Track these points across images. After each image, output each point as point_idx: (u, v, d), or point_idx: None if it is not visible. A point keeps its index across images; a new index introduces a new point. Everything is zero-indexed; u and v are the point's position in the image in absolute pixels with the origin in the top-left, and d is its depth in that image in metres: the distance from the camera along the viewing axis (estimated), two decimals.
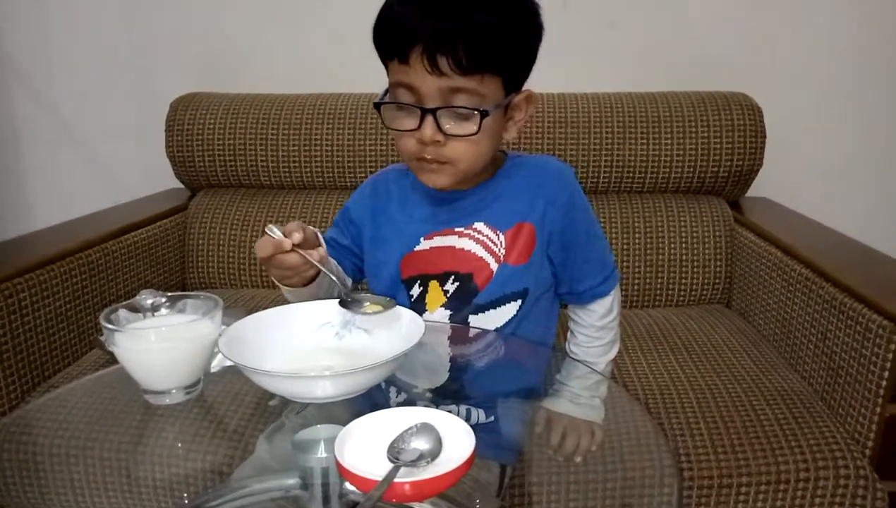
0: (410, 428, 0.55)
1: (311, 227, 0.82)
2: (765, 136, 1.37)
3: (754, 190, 1.46)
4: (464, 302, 0.86)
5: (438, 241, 0.87)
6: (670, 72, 1.57)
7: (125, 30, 1.68)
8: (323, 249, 0.80)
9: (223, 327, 0.68)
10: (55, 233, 1.27)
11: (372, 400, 0.68)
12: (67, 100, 1.74)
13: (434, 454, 0.53)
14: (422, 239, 0.87)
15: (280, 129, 1.44)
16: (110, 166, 1.79)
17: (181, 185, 1.58)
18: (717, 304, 1.37)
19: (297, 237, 0.74)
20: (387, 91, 0.80)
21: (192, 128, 1.46)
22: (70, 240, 1.19)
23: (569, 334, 0.97)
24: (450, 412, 0.75)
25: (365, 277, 0.96)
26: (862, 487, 0.87)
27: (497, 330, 0.87)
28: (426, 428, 0.55)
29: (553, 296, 0.92)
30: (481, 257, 0.86)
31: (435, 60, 0.71)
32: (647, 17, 1.58)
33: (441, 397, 0.80)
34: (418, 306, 0.87)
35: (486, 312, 0.86)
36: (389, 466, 0.52)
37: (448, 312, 0.87)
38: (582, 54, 1.57)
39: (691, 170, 1.38)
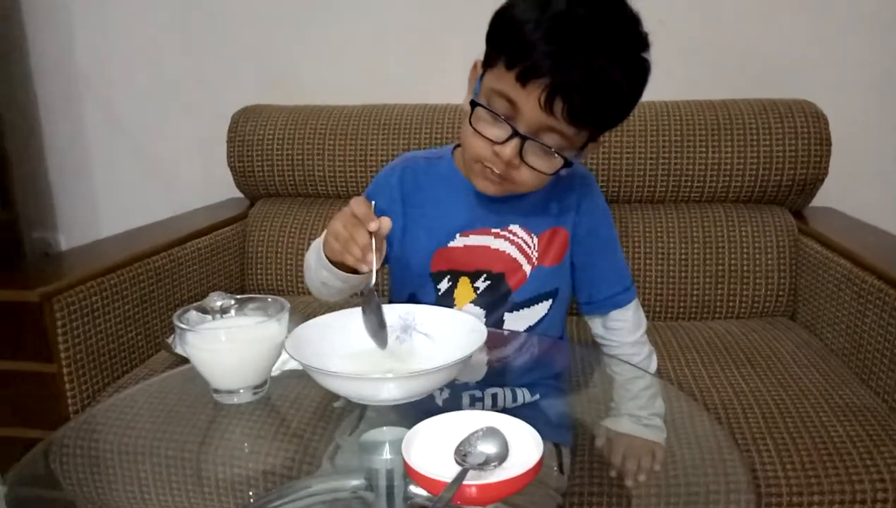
0: (477, 432, 0.55)
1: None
2: (830, 144, 1.32)
3: (818, 200, 1.41)
4: (496, 300, 0.88)
5: (474, 240, 0.88)
6: (730, 80, 1.54)
7: (185, 47, 1.75)
8: (383, 252, 0.78)
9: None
10: (124, 240, 1.33)
11: (418, 399, 0.66)
12: (135, 115, 1.82)
13: (501, 458, 0.52)
14: (458, 235, 0.88)
15: (337, 140, 1.46)
16: (173, 177, 1.85)
17: (240, 195, 1.63)
18: (782, 317, 1.33)
19: (374, 227, 0.71)
20: (480, 80, 0.78)
21: (253, 139, 1.50)
22: (138, 246, 1.24)
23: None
24: (494, 395, 0.79)
25: (388, 265, 0.95)
26: None
27: (530, 327, 0.90)
28: (493, 432, 0.55)
29: (568, 300, 0.94)
30: (515, 258, 0.88)
31: (552, 102, 0.70)
32: (708, 23, 1.55)
33: (485, 384, 0.81)
34: (446, 300, 0.89)
35: (521, 310, 0.89)
36: (456, 468, 0.51)
37: (477, 309, 0.88)
38: None
39: (753, 179, 1.34)
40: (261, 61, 1.72)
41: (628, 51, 0.72)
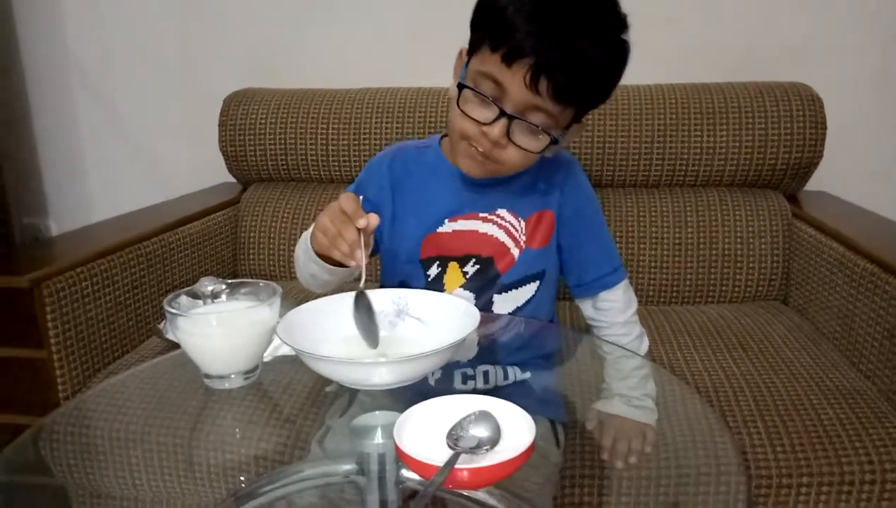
0: (469, 416, 0.55)
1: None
2: (825, 128, 1.32)
3: (813, 183, 1.41)
4: (485, 283, 0.89)
5: (463, 225, 0.89)
6: (726, 65, 1.52)
7: (178, 30, 1.73)
8: (370, 247, 0.79)
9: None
10: (115, 225, 1.32)
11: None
12: (125, 100, 1.80)
13: (493, 441, 0.52)
14: (446, 221, 0.89)
15: (330, 124, 1.45)
16: (164, 162, 1.84)
17: (232, 180, 1.61)
18: (774, 301, 1.33)
19: (363, 224, 0.71)
20: (466, 65, 0.79)
21: (245, 123, 1.48)
22: (129, 232, 1.23)
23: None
24: (486, 373, 0.79)
25: (378, 254, 0.96)
26: None
27: (518, 309, 0.91)
28: (485, 416, 0.55)
29: (556, 282, 0.95)
30: (503, 242, 0.89)
31: (537, 81, 0.72)
32: (704, 9, 1.54)
33: (476, 362, 0.82)
34: (435, 286, 0.89)
35: (509, 292, 0.90)
36: (448, 452, 0.51)
37: (467, 292, 0.89)
38: (637, 48, 1.54)
39: (747, 162, 1.34)
40: (252, 45, 1.70)
41: (608, 31, 0.74)
